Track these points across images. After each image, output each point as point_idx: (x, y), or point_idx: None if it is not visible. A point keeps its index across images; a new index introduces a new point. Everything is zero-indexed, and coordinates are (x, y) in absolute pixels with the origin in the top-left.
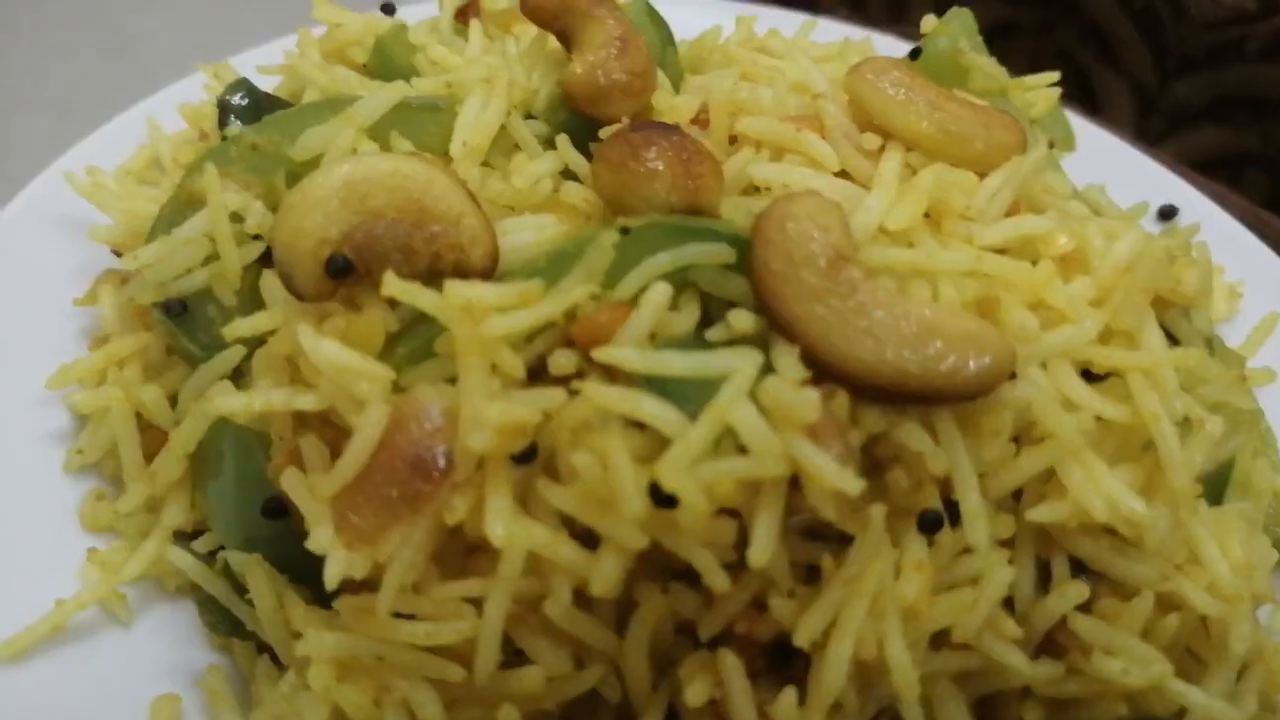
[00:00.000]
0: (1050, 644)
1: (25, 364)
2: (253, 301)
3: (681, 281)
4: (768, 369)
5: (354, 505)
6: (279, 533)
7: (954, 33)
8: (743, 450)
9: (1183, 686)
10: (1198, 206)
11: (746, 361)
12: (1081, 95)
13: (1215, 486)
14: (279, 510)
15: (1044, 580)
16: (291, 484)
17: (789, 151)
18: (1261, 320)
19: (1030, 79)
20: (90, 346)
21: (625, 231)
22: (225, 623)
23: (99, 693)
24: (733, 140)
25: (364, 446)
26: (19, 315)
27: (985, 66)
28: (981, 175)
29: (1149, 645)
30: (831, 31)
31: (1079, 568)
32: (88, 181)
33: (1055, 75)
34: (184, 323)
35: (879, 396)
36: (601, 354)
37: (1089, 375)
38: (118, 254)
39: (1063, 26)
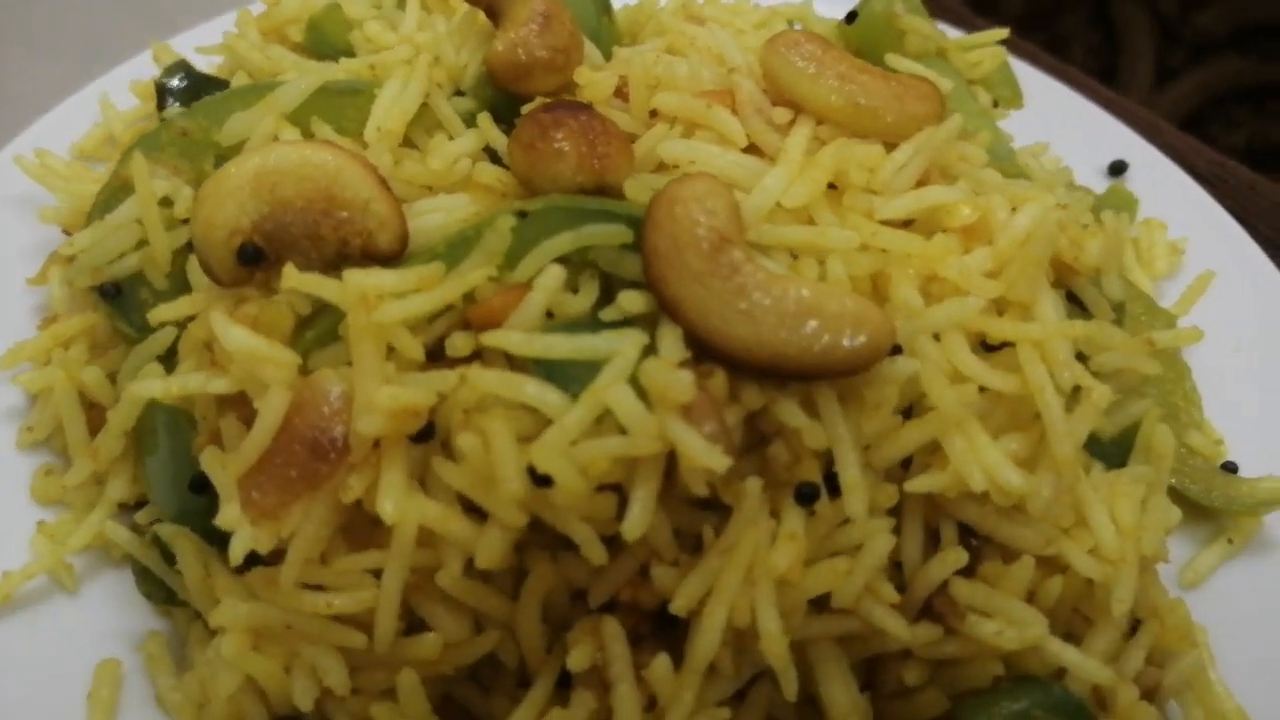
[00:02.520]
0: (931, 608)
1: None
2: (183, 284)
3: (581, 262)
4: (652, 350)
5: (258, 484)
6: (206, 506)
7: None
8: (621, 430)
9: (1059, 646)
10: (1153, 162)
11: (629, 344)
12: (1102, 26)
13: (1120, 450)
14: (205, 485)
15: (934, 546)
16: (210, 462)
17: (700, 127)
18: (1195, 279)
19: (974, 38)
20: (39, 326)
21: (522, 215)
22: (160, 591)
23: (46, 657)
24: (653, 114)
25: (265, 430)
26: None
27: (921, 28)
28: (893, 147)
29: (1030, 607)
30: None
31: (968, 533)
32: (37, 164)
33: (1002, 33)
34: (119, 305)
35: (758, 374)
36: (489, 338)
37: (988, 346)
38: (68, 234)
39: None
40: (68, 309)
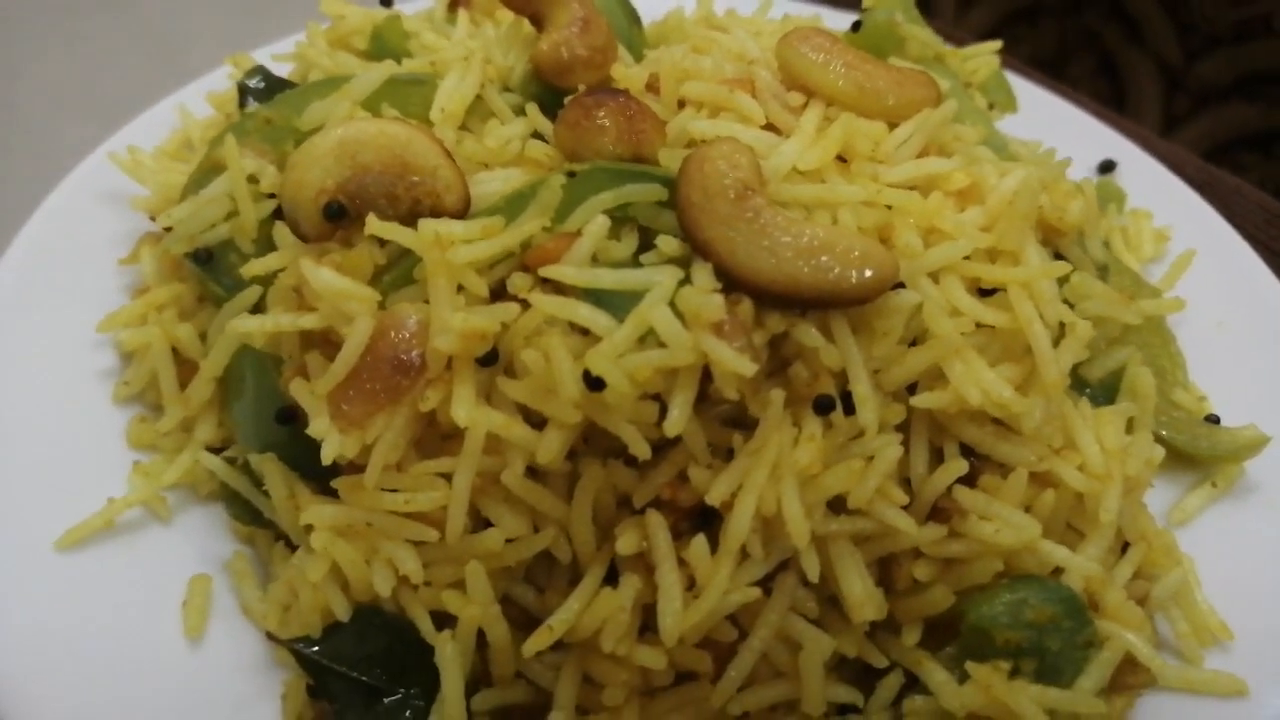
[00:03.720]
0: (937, 512)
1: (79, 315)
2: (267, 249)
3: (623, 217)
4: (687, 283)
5: (346, 398)
6: (290, 437)
7: (890, 6)
8: (661, 345)
9: (1052, 547)
10: (1140, 162)
11: (667, 276)
12: (1108, 75)
13: (1107, 393)
14: (290, 417)
15: (938, 462)
16: (298, 389)
17: (724, 109)
18: (1178, 256)
19: (969, 49)
20: (132, 297)
21: (571, 175)
22: (247, 514)
23: (143, 575)
24: (682, 105)
25: (353, 350)
26: (72, 276)
27: (919, 35)
28: (895, 127)
29: (1025, 514)
30: (787, 10)
31: (968, 453)
32: (128, 159)
33: (996, 44)
34: (210, 269)
35: (779, 303)
36: (547, 270)
37: (983, 293)
38: (154, 218)
39: (1088, 7)
40: (158, 284)
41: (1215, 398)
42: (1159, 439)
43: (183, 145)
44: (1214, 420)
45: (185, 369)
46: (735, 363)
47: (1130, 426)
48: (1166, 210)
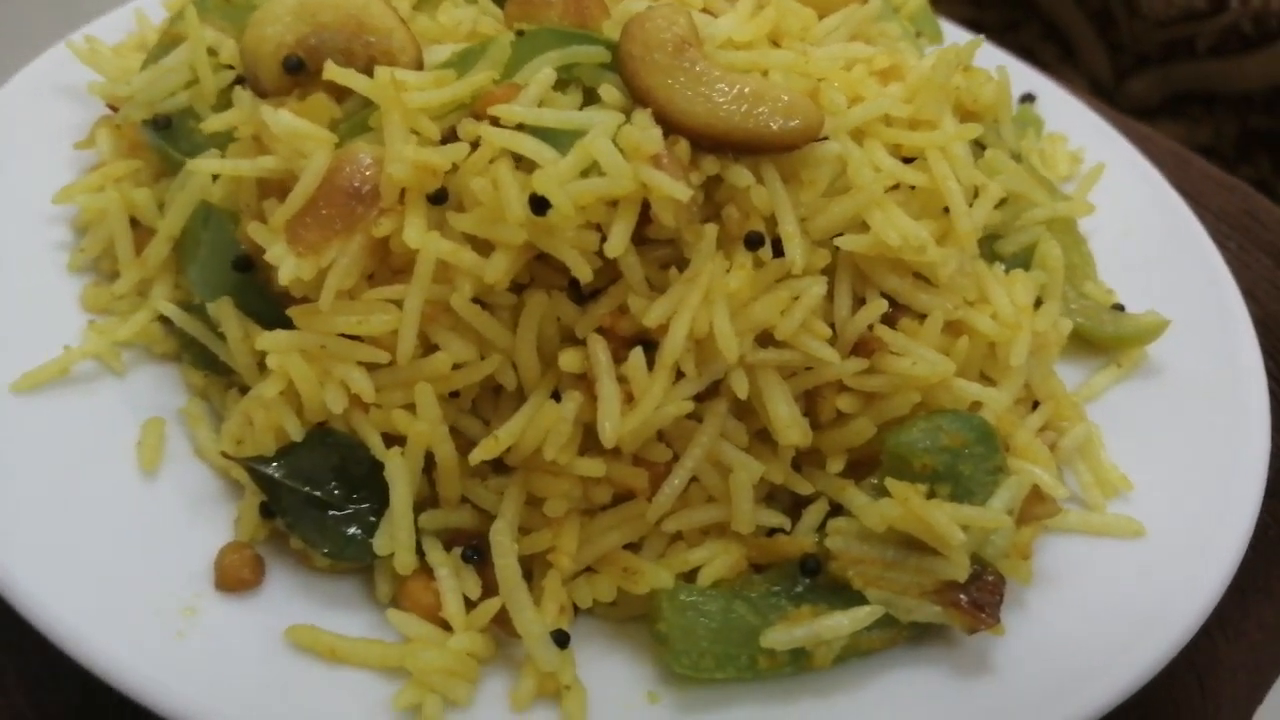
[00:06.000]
0: (859, 348)
1: (35, 192)
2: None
3: (568, 78)
4: (628, 125)
5: (303, 224)
6: (247, 284)
7: None
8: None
9: (966, 383)
10: (1057, 95)
11: (609, 117)
12: None
13: (1021, 265)
14: (247, 264)
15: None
16: (255, 230)
17: None
18: (1089, 170)
19: None
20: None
21: (520, 33)
22: (203, 360)
23: (98, 420)
24: None
25: (310, 180)
26: (28, 158)
27: None
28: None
29: (940, 354)
30: None
31: (889, 304)
32: (86, 49)
33: None
34: (169, 135)
35: (714, 148)
36: (496, 109)
37: (905, 161)
38: (112, 108)
39: (1025, 26)
40: (115, 160)
41: (1122, 294)
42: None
43: (138, 48)
44: (1119, 309)
45: (141, 235)
46: (671, 188)
47: (1041, 297)
48: (1080, 136)
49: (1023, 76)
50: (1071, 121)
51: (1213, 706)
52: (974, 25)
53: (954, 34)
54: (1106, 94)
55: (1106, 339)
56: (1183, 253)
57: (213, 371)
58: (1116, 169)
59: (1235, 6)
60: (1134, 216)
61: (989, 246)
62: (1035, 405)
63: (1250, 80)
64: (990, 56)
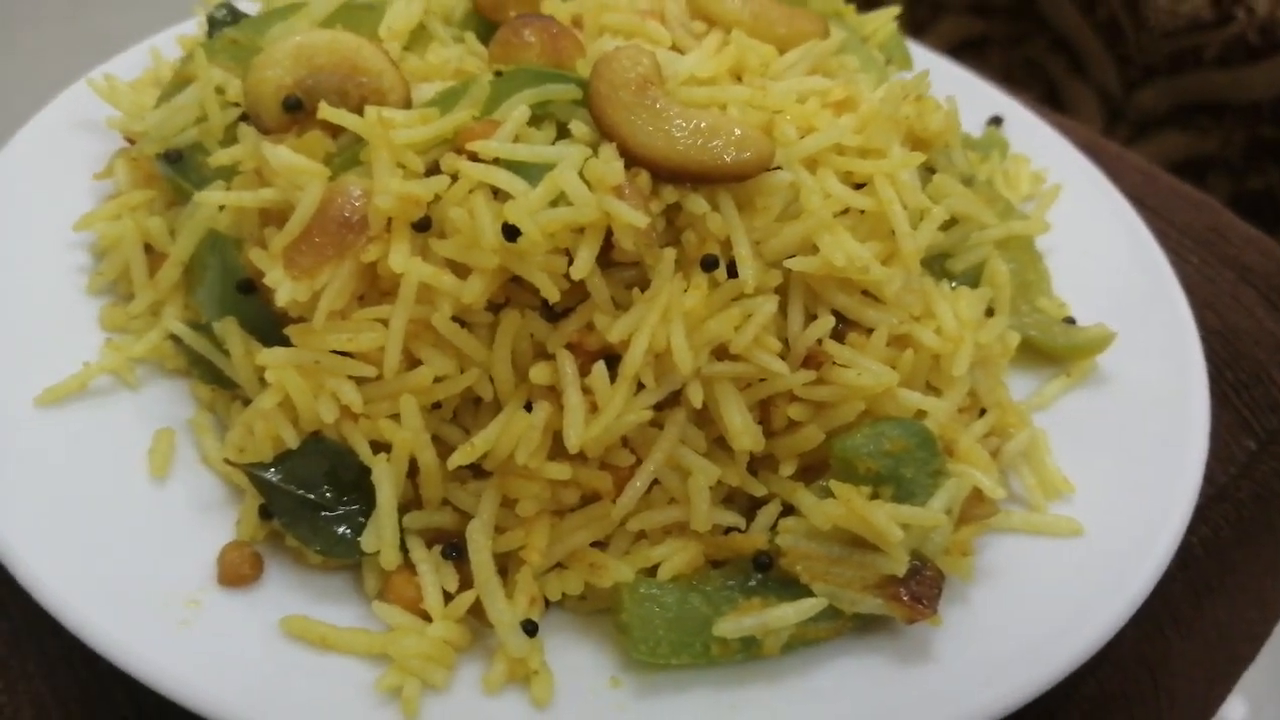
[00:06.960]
0: (808, 361)
1: (58, 220)
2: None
3: (543, 113)
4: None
5: (299, 252)
6: (249, 306)
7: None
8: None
9: (908, 392)
10: (1024, 118)
11: (577, 151)
12: (1053, 105)
13: (971, 282)
14: (249, 287)
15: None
16: (257, 256)
17: (637, 35)
18: (1046, 190)
19: (868, 16)
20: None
21: (499, 74)
22: (209, 374)
23: (112, 430)
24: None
25: (305, 210)
26: (51, 188)
27: None
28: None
29: (885, 366)
30: None
31: (838, 321)
32: (105, 85)
33: (895, 10)
34: (180, 168)
35: (673, 178)
36: (474, 145)
37: (856, 188)
38: (129, 141)
39: (1032, 39)
40: (130, 190)
41: (1078, 308)
42: (1023, 339)
43: (154, 83)
44: (1070, 322)
45: (155, 260)
46: (630, 216)
47: (989, 312)
48: (1044, 158)
49: (989, 99)
50: (1036, 142)
51: (1166, 701)
52: (982, 38)
53: (929, 60)
54: (1115, 105)
55: (1058, 350)
56: (1137, 268)
57: (219, 385)
58: (1077, 188)
59: (1241, 17)
60: (1092, 234)
61: (940, 265)
62: (983, 413)
63: (1257, 90)
64: (956, 79)
